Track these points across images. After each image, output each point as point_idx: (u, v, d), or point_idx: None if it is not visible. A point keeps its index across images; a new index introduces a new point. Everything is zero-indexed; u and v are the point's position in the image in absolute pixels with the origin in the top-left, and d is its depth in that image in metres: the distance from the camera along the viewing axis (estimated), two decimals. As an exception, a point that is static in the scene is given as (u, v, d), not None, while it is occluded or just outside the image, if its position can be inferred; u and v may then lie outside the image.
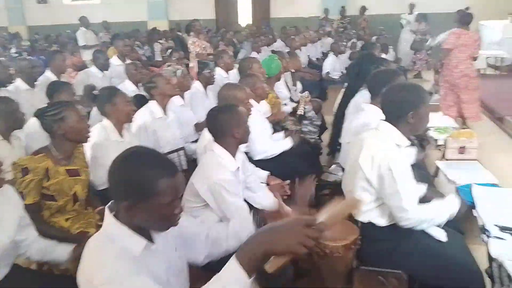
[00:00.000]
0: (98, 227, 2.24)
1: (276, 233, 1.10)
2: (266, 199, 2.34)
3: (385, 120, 2.04)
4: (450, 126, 3.61)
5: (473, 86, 5.07)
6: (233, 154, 2.11)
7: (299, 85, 5.11)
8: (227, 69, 4.78)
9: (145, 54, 8.15)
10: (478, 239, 2.22)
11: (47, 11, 13.04)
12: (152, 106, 3.19)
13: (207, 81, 4.05)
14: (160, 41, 8.82)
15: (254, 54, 6.83)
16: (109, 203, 1.34)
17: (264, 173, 2.77)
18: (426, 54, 8.71)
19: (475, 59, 5.11)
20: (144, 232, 1.33)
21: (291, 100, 4.69)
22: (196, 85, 3.96)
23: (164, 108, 3.23)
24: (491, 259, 1.97)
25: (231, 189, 1.97)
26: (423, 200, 2.17)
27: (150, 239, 1.34)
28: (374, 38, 8.47)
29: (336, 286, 2.08)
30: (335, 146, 3.62)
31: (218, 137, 2.12)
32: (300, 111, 4.16)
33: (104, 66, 5.06)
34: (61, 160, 2.18)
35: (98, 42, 8.38)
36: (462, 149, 2.98)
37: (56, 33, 10.31)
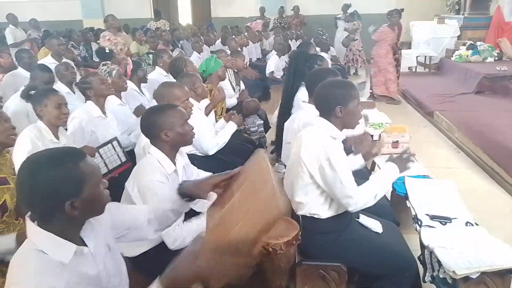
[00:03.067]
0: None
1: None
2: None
3: (319, 116, 2.10)
4: (384, 122, 3.78)
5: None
6: (171, 157, 2.04)
7: (242, 85, 5.11)
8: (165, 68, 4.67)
9: (81, 54, 7.78)
10: (411, 229, 2.35)
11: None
12: (89, 106, 3.12)
13: (140, 80, 4.07)
14: (98, 41, 8.48)
15: (195, 54, 6.76)
16: (29, 213, 1.26)
17: (206, 175, 2.73)
18: (357, 50, 9.12)
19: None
20: (74, 235, 1.27)
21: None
22: (130, 85, 3.88)
23: (101, 108, 3.15)
24: (423, 246, 2.10)
25: (158, 192, 1.88)
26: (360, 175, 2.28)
27: (79, 243, 1.28)
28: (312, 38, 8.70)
29: (280, 283, 2.11)
30: (280, 144, 3.65)
31: (152, 140, 2.05)
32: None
33: (28, 66, 4.59)
34: None
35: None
36: (395, 144, 3.13)
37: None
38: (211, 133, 3.15)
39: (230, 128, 3.25)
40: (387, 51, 6.78)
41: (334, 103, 2.01)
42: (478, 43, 8.44)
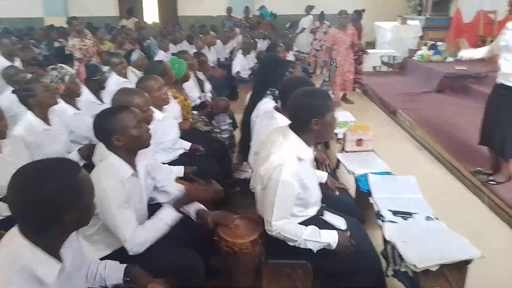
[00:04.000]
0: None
1: None
2: (169, 215, 2.10)
3: (290, 127, 2.00)
4: (349, 121, 3.85)
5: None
6: (129, 160, 1.95)
7: (208, 85, 5.07)
8: (125, 73, 4.47)
9: (42, 53, 7.52)
10: (376, 225, 2.40)
11: None
12: (30, 119, 2.75)
13: (98, 87, 3.68)
14: (60, 39, 8.23)
15: (161, 53, 6.67)
16: (18, 224, 1.23)
17: (179, 170, 2.74)
18: (314, 50, 9.37)
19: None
20: (57, 250, 1.27)
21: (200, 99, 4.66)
22: (85, 91, 3.52)
23: (45, 117, 2.82)
24: (385, 241, 2.16)
25: (113, 198, 1.80)
26: (323, 187, 2.29)
27: (59, 260, 1.27)
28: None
29: (246, 282, 2.11)
30: (245, 145, 3.63)
31: (106, 145, 1.95)
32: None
33: None
34: None
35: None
36: (359, 142, 3.21)
37: None
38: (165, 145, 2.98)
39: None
40: (345, 53, 6.58)
41: (311, 115, 1.90)
42: (439, 43, 8.72)
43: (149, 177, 2.15)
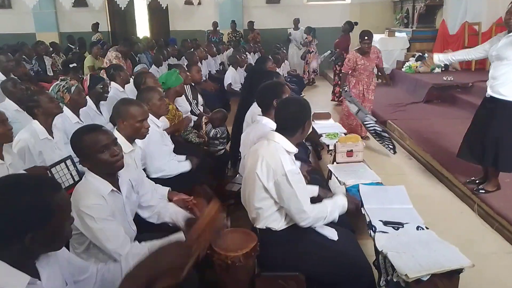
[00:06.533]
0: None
1: (158, 255, 1.18)
2: (175, 214, 2.22)
3: (275, 131, 2.17)
4: (339, 132, 3.90)
5: None
6: (108, 177, 1.90)
7: (200, 98, 5.10)
8: (124, 83, 4.60)
9: (33, 68, 7.52)
10: (367, 235, 2.43)
11: None
12: (35, 126, 2.93)
13: (99, 97, 3.82)
14: (53, 54, 8.24)
15: (154, 68, 6.70)
16: None
17: (164, 190, 2.64)
18: (316, 64, 9.58)
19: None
20: (28, 265, 1.23)
21: (192, 113, 4.68)
22: (88, 102, 3.67)
23: (49, 128, 2.97)
24: (377, 252, 2.18)
25: (96, 215, 1.77)
26: (316, 200, 2.33)
27: (33, 274, 1.23)
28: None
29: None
30: (235, 157, 3.68)
31: (83, 163, 1.90)
32: (203, 136, 4.13)
33: None
34: None
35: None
36: (350, 153, 3.24)
37: None
38: (161, 158, 2.99)
39: (183, 166, 3.09)
40: (366, 81, 5.59)
41: (301, 123, 2.14)
42: (426, 54, 8.85)
43: (134, 191, 2.13)
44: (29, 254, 1.22)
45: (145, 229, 2.19)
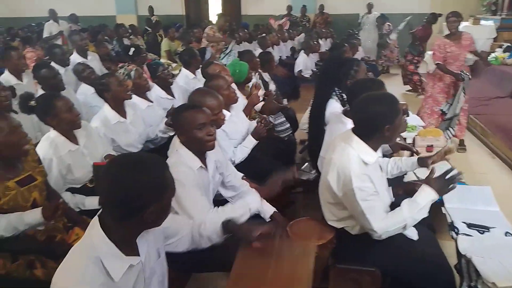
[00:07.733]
0: (67, 228, 2.18)
1: None
2: (254, 203, 2.17)
3: (354, 131, 1.98)
4: (418, 125, 3.70)
5: None
6: (198, 154, 2.04)
7: (272, 86, 5.07)
8: (195, 70, 4.54)
9: (114, 49, 7.94)
10: (447, 235, 2.30)
11: (10, 3, 12.45)
12: (106, 112, 2.98)
13: (165, 83, 3.78)
14: (131, 36, 8.64)
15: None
16: (99, 213, 1.30)
17: (240, 177, 2.66)
18: (390, 52, 9.32)
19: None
20: (132, 242, 1.32)
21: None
22: (155, 88, 3.71)
23: (120, 111, 3.02)
24: (460, 255, 2.05)
25: (186, 182, 1.88)
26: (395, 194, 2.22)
27: (134, 250, 1.32)
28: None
29: (312, 284, 2.10)
30: (312, 147, 3.49)
31: (180, 137, 2.06)
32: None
33: (62, 62, 4.52)
34: (6, 174, 1.97)
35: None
36: (430, 148, 3.06)
37: (19, 27, 9.92)
38: (231, 144, 2.96)
39: (248, 143, 3.01)
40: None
41: (384, 123, 1.88)
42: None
43: (217, 172, 2.22)
44: (140, 229, 1.32)
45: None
